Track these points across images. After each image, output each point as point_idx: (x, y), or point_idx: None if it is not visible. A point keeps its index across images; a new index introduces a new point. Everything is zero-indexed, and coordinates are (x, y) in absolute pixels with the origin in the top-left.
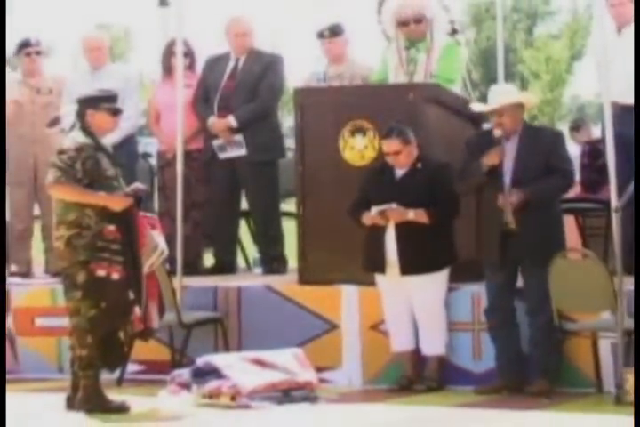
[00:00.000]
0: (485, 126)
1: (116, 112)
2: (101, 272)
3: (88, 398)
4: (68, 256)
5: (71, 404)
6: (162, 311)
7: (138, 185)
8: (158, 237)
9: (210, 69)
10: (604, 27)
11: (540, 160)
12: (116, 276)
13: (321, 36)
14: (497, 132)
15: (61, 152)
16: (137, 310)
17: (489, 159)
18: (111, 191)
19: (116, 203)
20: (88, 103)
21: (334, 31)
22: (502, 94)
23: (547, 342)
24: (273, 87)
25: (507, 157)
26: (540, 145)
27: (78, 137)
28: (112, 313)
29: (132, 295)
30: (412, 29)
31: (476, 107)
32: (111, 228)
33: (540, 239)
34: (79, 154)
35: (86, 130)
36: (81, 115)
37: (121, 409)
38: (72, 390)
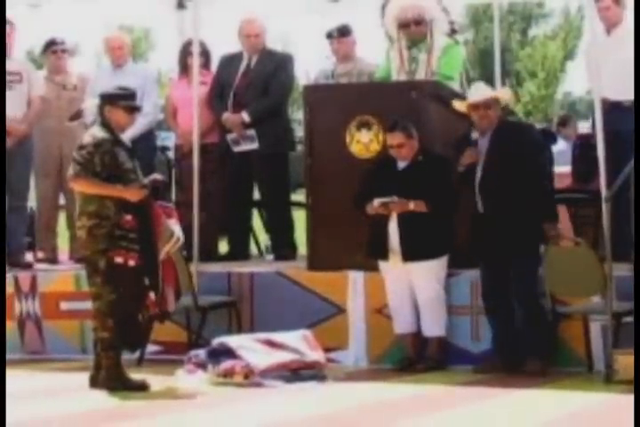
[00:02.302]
0: None
1: (132, 110)
2: (119, 259)
3: (110, 378)
4: (89, 245)
5: (94, 382)
6: (178, 295)
7: (156, 176)
8: (174, 226)
9: (224, 68)
10: (594, 28)
11: (509, 153)
12: (132, 263)
13: (330, 36)
14: (482, 124)
15: (81, 147)
16: (152, 295)
17: (465, 159)
18: (128, 183)
19: (132, 194)
20: (107, 100)
21: (342, 32)
22: (485, 90)
23: (539, 324)
24: (284, 85)
25: (480, 152)
26: (509, 139)
27: (97, 132)
28: (130, 298)
29: (147, 281)
30: (413, 31)
31: (471, 98)
32: (128, 217)
33: (518, 228)
34: (97, 149)
35: (106, 125)
36: (101, 111)
37: (141, 387)
38: (95, 369)
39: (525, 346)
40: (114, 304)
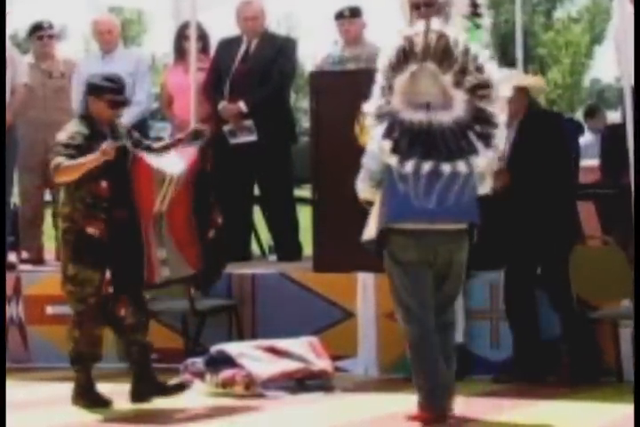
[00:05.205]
0: None
1: (116, 105)
2: (91, 230)
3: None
4: (61, 249)
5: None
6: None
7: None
8: (168, 162)
9: (222, 53)
10: (623, 10)
11: (536, 145)
12: (97, 233)
13: (340, 16)
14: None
15: (56, 144)
16: (106, 273)
17: (495, 184)
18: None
19: (104, 153)
20: (92, 90)
21: (354, 12)
22: (505, 80)
23: (579, 329)
24: (285, 71)
25: (507, 142)
26: (539, 130)
27: (72, 126)
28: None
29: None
30: (424, 12)
31: None
32: (104, 184)
33: (549, 225)
34: (72, 142)
35: (86, 117)
36: (85, 100)
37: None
38: (136, 380)
39: (554, 354)
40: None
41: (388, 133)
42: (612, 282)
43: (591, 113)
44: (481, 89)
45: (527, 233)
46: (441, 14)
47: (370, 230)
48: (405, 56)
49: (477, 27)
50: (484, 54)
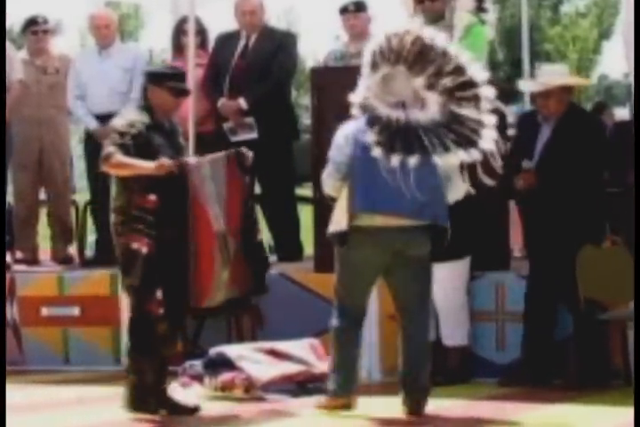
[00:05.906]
0: (507, 109)
1: (180, 92)
2: (135, 245)
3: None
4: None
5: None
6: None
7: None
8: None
9: (220, 48)
10: (631, 4)
11: (572, 145)
12: (145, 250)
13: (345, 10)
14: (542, 112)
15: (113, 131)
16: (158, 293)
17: (519, 184)
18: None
19: (157, 167)
20: (151, 79)
21: (359, 6)
22: (551, 75)
23: (591, 332)
24: (285, 66)
25: (540, 139)
26: (576, 130)
27: (130, 114)
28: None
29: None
30: (428, 7)
31: (524, 86)
32: (152, 197)
33: (575, 226)
34: (129, 129)
35: (146, 108)
36: (144, 89)
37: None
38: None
39: (563, 355)
40: (133, 291)
41: (369, 127)
42: (621, 283)
43: (599, 110)
44: (460, 91)
45: (555, 234)
46: (445, 9)
47: (335, 223)
48: (382, 56)
49: (482, 22)
50: (466, 55)
